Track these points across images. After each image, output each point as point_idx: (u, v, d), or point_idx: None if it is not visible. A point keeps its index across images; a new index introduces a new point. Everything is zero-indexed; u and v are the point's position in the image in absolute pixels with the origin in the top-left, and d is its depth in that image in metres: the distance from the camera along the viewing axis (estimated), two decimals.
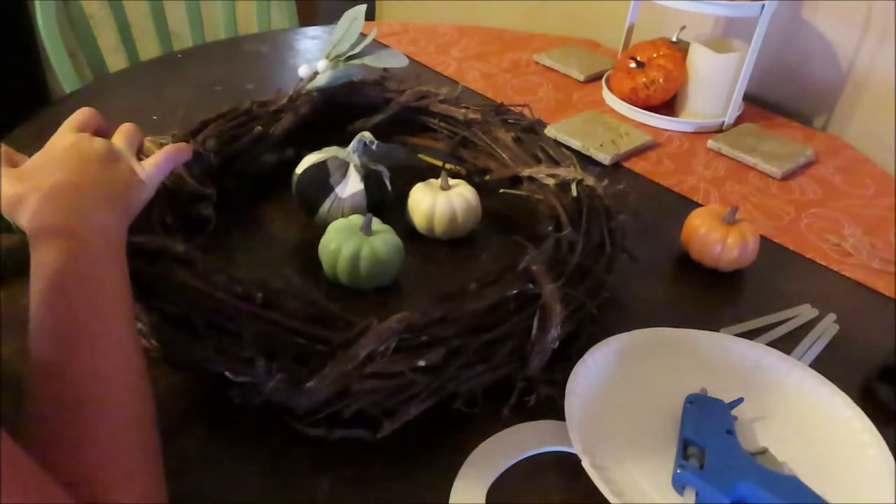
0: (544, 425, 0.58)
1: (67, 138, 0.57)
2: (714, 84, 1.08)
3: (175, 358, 0.57)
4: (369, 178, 0.75)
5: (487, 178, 0.82)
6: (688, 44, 1.10)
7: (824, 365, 0.65)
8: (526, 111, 0.88)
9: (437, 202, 0.75)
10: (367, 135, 0.75)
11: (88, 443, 0.41)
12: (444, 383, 0.55)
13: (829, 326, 0.72)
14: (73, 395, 0.43)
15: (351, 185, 0.74)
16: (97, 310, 0.47)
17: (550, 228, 0.69)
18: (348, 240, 0.67)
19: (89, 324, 0.46)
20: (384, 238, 0.68)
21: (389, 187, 0.77)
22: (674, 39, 1.13)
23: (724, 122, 1.08)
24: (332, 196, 0.74)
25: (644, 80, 1.08)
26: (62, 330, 0.45)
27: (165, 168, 0.61)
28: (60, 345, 0.44)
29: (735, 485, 0.51)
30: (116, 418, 0.44)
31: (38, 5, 1.10)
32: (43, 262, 0.47)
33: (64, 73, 1.14)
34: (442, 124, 0.87)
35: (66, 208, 0.50)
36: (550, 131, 0.99)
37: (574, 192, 0.73)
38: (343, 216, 0.72)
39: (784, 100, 1.19)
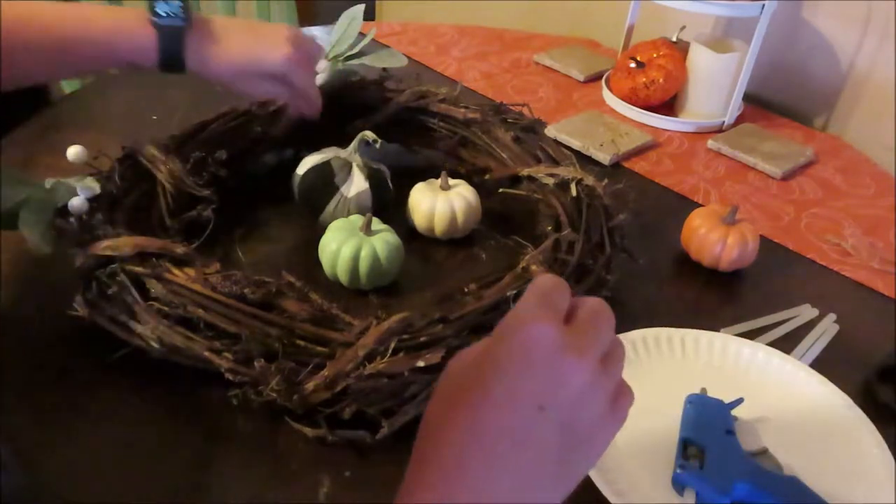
0: None
1: None
2: (714, 84, 1.08)
3: (175, 358, 0.57)
4: (372, 177, 0.75)
5: (487, 177, 0.82)
6: (688, 44, 1.10)
7: (824, 365, 0.65)
8: (525, 111, 0.88)
9: (437, 202, 0.75)
10: (368, 134, 0.75)
11: None
12: None
13: (829, 326, 0.72)
14: None
15: (356, 185, 0.74)
16: None
17: (550, 228, 0.69)
18: (348, 240, 0.67)
19: None
20: (384, 238, 0.68)
21: (391, 186, 0.77)
22: (674, 39, 1.13)
23: (724, 122, 1.08)
24: (337, 196, 0.74)
25: (644, 80, 1.08)
26: None
27: None
28: None
29: (735, 485, 0.51)
30: None
31: None
32: None
33: None
34: (441, 124, 0.87)
35: None
36: (550, 131, 0.99)
37: (574, 192, 0.73)
38: (348, 216, 0.72)
39: (784, 100, 1.19)
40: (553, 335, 0.34)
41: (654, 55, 1.09)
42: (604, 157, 0.96)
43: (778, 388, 0.62)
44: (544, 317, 0.34)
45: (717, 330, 0.68)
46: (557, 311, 0.35)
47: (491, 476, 0.32)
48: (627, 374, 0.61)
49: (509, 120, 0.85)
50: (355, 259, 0.67)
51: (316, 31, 1.28)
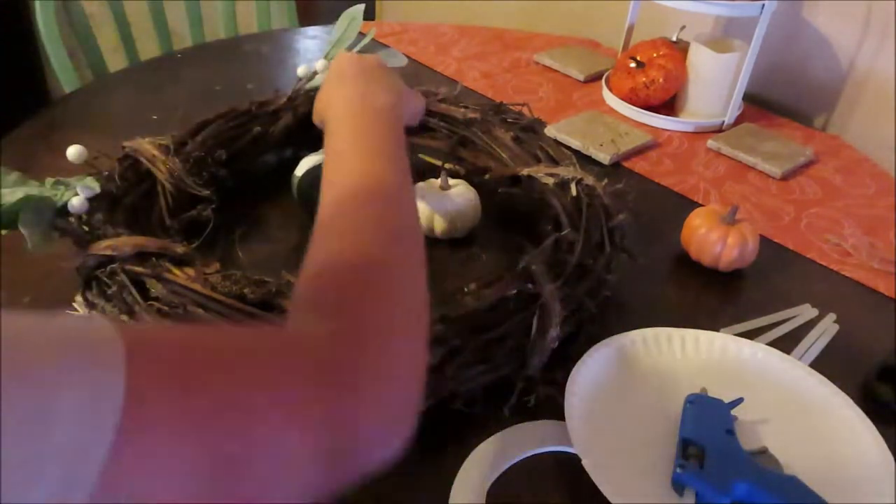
0: (544, 425, 0.58)
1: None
2: (714, 84, 1.08)
3: None
4: None
5: (487, 177, 0.82)
6: (688, 44, 1.10)
7: (824, 365, 0.65)
8: (525, 110, 0.88)
9: (437, 202, 0.75)
10: None
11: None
12: (444, 383, 0.55)
13: (829, 326, 0.72)
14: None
15: None
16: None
17: (550, 228, 0.69)
18: None
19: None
20: None
21: None
22: (674, 39, 1.13)
23: (724, 122, 1.08)
24: None
25: (644, 79, 1.08)
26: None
27: None
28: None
29: (735, 485, 0.51)
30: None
31: (38, 5, 1.10)
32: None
33: (64, 73, 1.14)
34: (441, 124, 0.87)
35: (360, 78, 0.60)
36: (550, 131, 0.99)
37: (574, 192, 0.73)
38: None
39: (784, 100, 1.19)
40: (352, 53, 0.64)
41: (654, 55, 1.09)
42: (604, 157, 0.96)
43: (778, 388, 0.62)
44: None
45: (717, 330, 0.68)
46: None
47: (369, 89, 0.58)
48: (628, 375, 0.61)
49: (509, 120, 0.85)
50: None
51: (316, 31, 1.28)
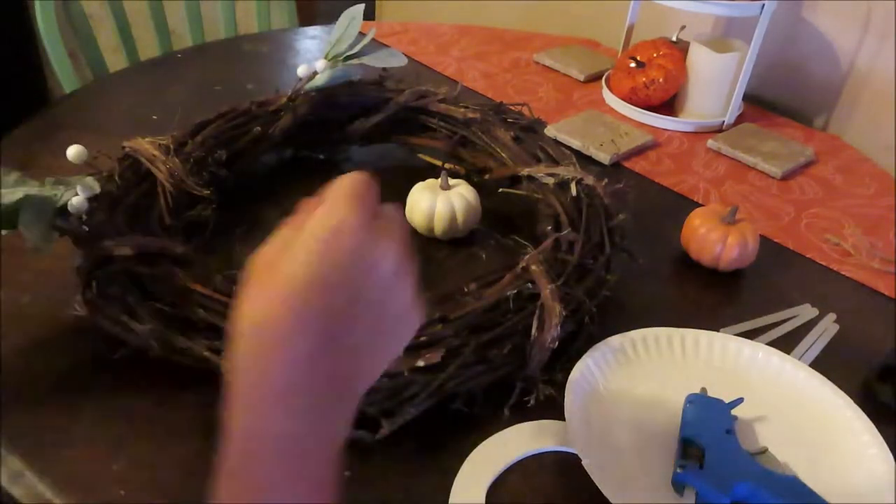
0: (544, 425, 0.58)
1: (343, 236, 0.35)
2: (714, 84, 1.08)
3: (175, 358, 0.57)
4: None
5: (487, 177, 0.82)
6: (688, 44, 1.10)
7: (824, 365, 0.65)
8: (525, 111, 0.88)
9: (437, 202, 0.75)
10: None
11: None
12: (444, 383, 0.55)
13: (829, 326, 0.72)
14: None
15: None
16: None
17: (550, 228, 0.69)
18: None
19: None
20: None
21: None
22: (674, 39, 1.13)
23: (724, 122, 1.08)
24: None
25: (644, 79, 1.08)
26: None
27: None
28: None
29: (735, 485, 0.51)
30: None
31: (38, 5, 1.10)
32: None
33: (64, 73, 1.14)
34: (441, 124, 0.87)
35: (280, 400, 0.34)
36: (550, 131, 0.99)
37: (574, 192, 0.73)
38: None
39: (784, 100, 1.19)
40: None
41: (654, 55, 1.08)
42: (604, 157, 0.96)
43: (778, 388, 0.62)
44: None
45: (717, 330, 0.68)
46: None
47: (355, 355, 0.35)
48: (628, 375, 0.62)
49: (509, 120, 0.85)
50: None
51: (316, 31, 1.28)
